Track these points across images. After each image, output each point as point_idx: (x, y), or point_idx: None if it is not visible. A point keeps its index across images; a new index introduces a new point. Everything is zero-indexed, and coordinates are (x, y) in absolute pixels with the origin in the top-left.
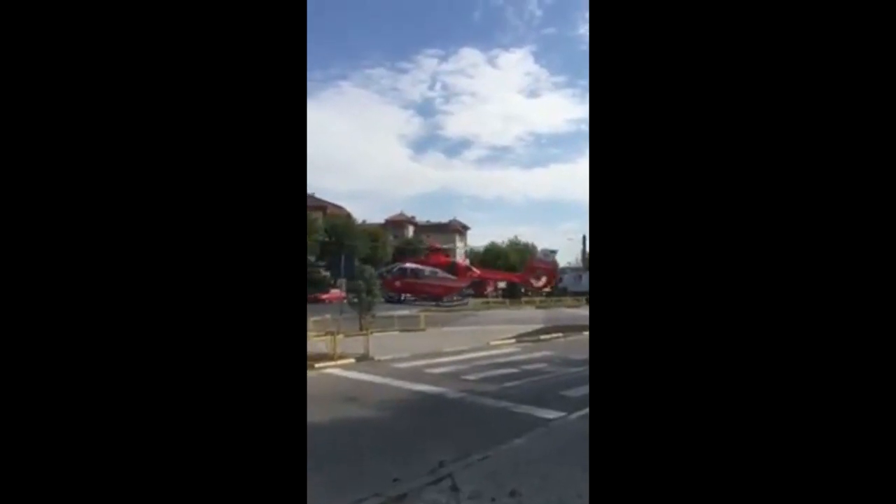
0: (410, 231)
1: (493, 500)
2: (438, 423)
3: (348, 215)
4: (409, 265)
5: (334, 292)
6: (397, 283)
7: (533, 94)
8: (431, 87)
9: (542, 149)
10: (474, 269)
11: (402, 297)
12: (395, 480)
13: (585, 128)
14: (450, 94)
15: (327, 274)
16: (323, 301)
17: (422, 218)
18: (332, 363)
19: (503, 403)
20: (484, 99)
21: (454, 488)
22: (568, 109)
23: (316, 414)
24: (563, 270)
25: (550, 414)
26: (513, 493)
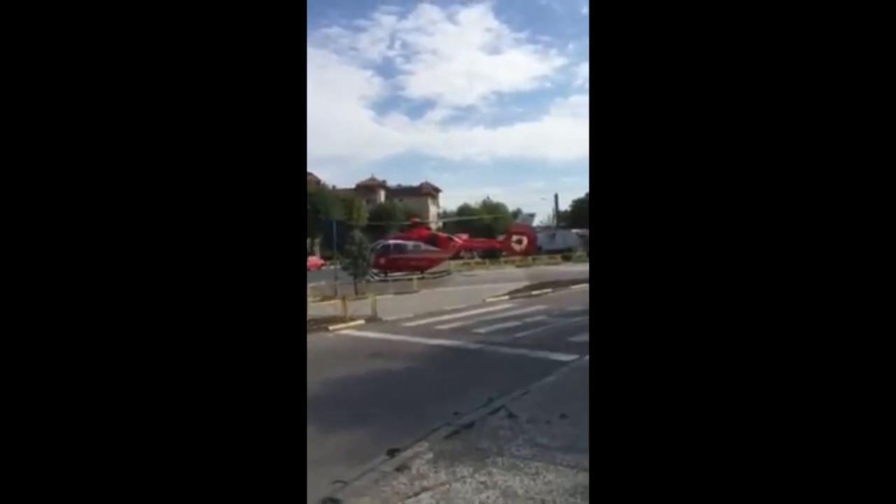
0: (382, 195)
1: (548, 421)
2: (468, 370)
3: (318, 181)
4: (391, 241)
5: (312, 259)
6: (382, 261)
7: (494, 50)
8: (391, 46)
9: (507, 107)
10: (456, 239)
11: (388, 274)
12: (455, 414)
13: (549, 85)
14: (410, 53)
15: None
16: None
17: (392, 181)
18: (345, 325)
19: (520, 350)
20: (445, 57)
21: (511, 416)
22: (530, 66)
23: (353, 369)
24: (536, 230)
25: (565, 357)
26: (563, 416)
